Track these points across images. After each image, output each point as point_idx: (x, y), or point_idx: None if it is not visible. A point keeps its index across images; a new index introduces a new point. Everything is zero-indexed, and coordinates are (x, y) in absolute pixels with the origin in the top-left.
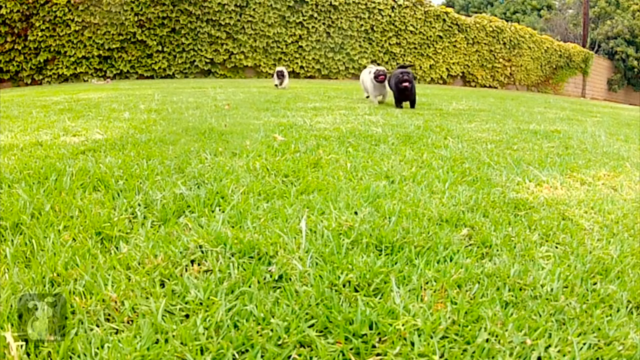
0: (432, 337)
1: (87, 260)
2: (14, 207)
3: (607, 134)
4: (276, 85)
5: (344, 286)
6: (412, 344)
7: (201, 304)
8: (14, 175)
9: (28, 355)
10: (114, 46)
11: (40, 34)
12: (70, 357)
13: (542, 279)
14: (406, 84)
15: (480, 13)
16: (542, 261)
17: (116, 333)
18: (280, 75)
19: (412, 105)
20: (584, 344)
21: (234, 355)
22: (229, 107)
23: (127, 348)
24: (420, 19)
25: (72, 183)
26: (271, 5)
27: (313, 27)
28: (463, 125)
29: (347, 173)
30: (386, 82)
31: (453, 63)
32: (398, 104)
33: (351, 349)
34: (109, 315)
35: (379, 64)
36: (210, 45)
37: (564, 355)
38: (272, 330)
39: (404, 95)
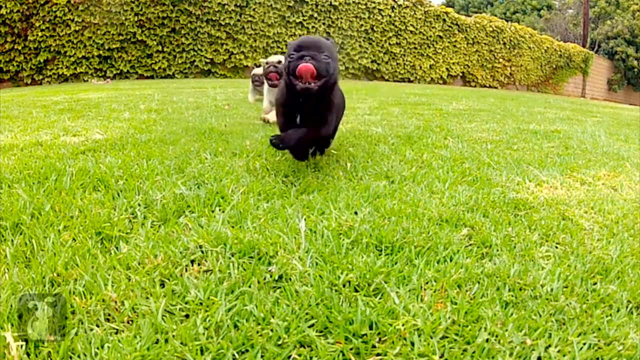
0: (432, 337)
1: (87, 260)
2: (14, 207)
3: (607, 134)
4: (255, 97)
5: (344, 286)
6: (412, 344)
7: (201, 304)
8: (14, 175)
9: (28, 355)
10: (114, 46)
11: (40, 34)
12: (70, 357)
13: (542, 279)
14: (308, 85)
15: (480, 13)
16: (542, 261)
17: (116, 333)
18: (258, 82)
19: (318, 152)
20: (584, 344)
21: (234, 355)
22: (229, 107)
23: (127, 348)
24: (420, 19)
25: (72, 183)
26: (271, 5)
27: (313, 27)
28: (463, 125)
29: (347, 173)
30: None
31: (453, 63)
32: (281, 132)
33: (351, 349)
34: (109, 315)
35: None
36: (210, 45)
37: (564, 355)
38: (272, 330)
39: (302, 110)
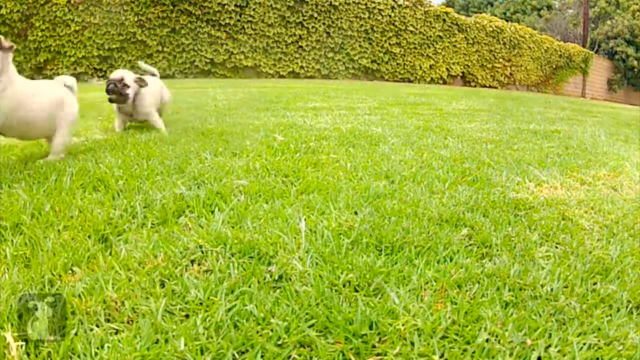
0: (432, 337)
1: (87, 260)
2: (14, 207)
3: (607, 134)
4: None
5: (344, 286)
6: (412, 344)
7: (201, 304)
8: (14, 175)
9: (28, 355)
10: (114, 46)
11: (40, 34)
12: (70, 357)
13: (542, 279)
14: None
15: (480, 13)
16: (542, 261)
17: (116, 333)
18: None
19: None
20: (584, 344)
21: (234, 355)
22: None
23: (127, 348)
24: (420, 19)
25: (72, 183)
26: (271, 5)
27: (313, 27)
28: (463, 125)
29: (347, 173)
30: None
31: (453, 63)
32: None
33: (351, 349)
34: (109, 315)
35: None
36: (210, 45)
37: (564, 355)
38: (272, 330)
39: None
